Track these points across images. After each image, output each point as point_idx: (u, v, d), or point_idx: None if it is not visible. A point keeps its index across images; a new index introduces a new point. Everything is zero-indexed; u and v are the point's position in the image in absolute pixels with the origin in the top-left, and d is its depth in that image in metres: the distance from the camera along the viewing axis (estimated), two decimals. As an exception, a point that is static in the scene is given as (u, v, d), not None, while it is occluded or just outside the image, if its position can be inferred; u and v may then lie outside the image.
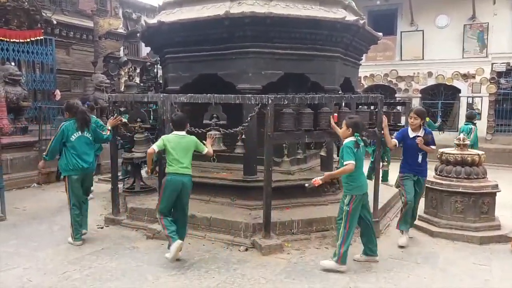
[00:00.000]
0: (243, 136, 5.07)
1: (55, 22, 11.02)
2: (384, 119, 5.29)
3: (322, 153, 6.01)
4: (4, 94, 8.42)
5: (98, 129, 5.51)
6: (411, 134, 5.19)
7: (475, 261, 4.68)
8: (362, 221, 4.49)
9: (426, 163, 5.27)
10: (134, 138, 5.75)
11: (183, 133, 4.58)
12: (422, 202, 6.18)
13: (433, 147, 5.20)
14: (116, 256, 4.69)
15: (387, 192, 6.80)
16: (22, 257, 4.62)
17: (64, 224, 5.65)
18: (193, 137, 4.63)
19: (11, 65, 9.18)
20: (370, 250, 4.58)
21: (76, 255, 4.70)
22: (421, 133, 5.15)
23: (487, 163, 6.19)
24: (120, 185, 6.67)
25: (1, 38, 9.32)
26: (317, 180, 4.31)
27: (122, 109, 6.16)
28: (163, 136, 4.61)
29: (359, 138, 4.30)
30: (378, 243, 5.16)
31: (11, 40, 9.57)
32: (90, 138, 5.13)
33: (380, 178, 6.15)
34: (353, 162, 4.18)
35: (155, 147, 4.52)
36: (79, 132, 5.00)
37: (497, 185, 5.57)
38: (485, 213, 5.48)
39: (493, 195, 5.55)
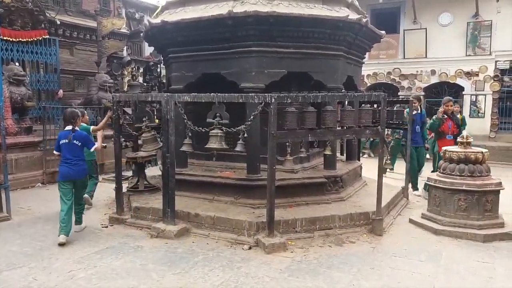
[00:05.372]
0: (245, 135, 5.08)
1: (58, 22, 11.05)
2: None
3: (327, 152, 5.99)
4: (8, 94, 8.45)
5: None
6: None
7: (478, 259, 4.67)
8: None
9: None
10: (142, 138, 5.80)
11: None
12: (425, 201, 6.20)
13: None
14: (120, 255, 4.72)
15: (390, 191, 6.79)
16: (27, 256, 4.66)
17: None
18: None
19: (15, 65, 9.23)
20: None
21: (81, 254, 4.73)
22: None
23: (490, 161, 6.17)
24: (124, 185, 6.70)
25: (6, 38, 9.37)
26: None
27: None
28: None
29: None
30: (381, 241, 5.19)
31: (15, 41, 9.63)
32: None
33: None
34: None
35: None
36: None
37: (500, 183, 5.56)
38: (488, 211, 5.46)
39: (496, 193, 5.53)
